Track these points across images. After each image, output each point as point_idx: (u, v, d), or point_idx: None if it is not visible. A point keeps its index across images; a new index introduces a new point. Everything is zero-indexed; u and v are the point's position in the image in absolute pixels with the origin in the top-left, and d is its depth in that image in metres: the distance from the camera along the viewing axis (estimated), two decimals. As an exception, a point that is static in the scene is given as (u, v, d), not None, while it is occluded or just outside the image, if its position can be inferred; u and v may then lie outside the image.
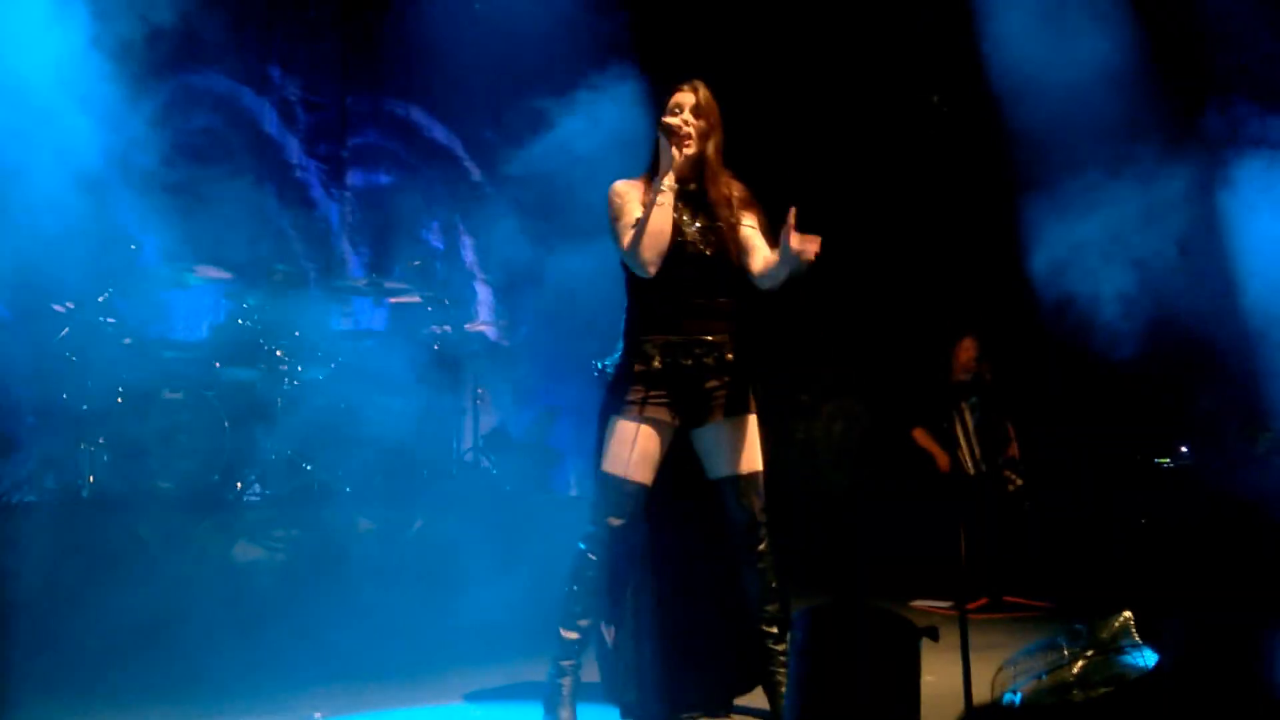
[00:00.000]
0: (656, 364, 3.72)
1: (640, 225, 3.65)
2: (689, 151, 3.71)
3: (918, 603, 6.38)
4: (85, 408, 5.70)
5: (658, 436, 3.72)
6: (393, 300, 7.40)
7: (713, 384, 3.76)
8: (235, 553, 5.45)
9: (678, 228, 3.70)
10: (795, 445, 7.08)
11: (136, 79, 6.96)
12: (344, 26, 8.25)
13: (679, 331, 3.75)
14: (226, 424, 5.84)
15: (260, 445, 6.28)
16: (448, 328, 7.23)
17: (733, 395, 3.78)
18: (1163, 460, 5.92)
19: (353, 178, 8.41)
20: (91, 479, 5.49)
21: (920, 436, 6.91)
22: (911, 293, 7.12)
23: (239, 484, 6.05)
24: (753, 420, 3.82)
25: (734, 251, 3.78)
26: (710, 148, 3.77)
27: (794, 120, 7.74)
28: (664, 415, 3.74)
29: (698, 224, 3.77)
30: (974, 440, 6.73)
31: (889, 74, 7.16)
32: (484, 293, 8.87)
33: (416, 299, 7.31)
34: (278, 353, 6.36)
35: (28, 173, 5.96)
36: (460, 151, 8.81)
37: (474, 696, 4.44)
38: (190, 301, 6.85)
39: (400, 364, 6.99)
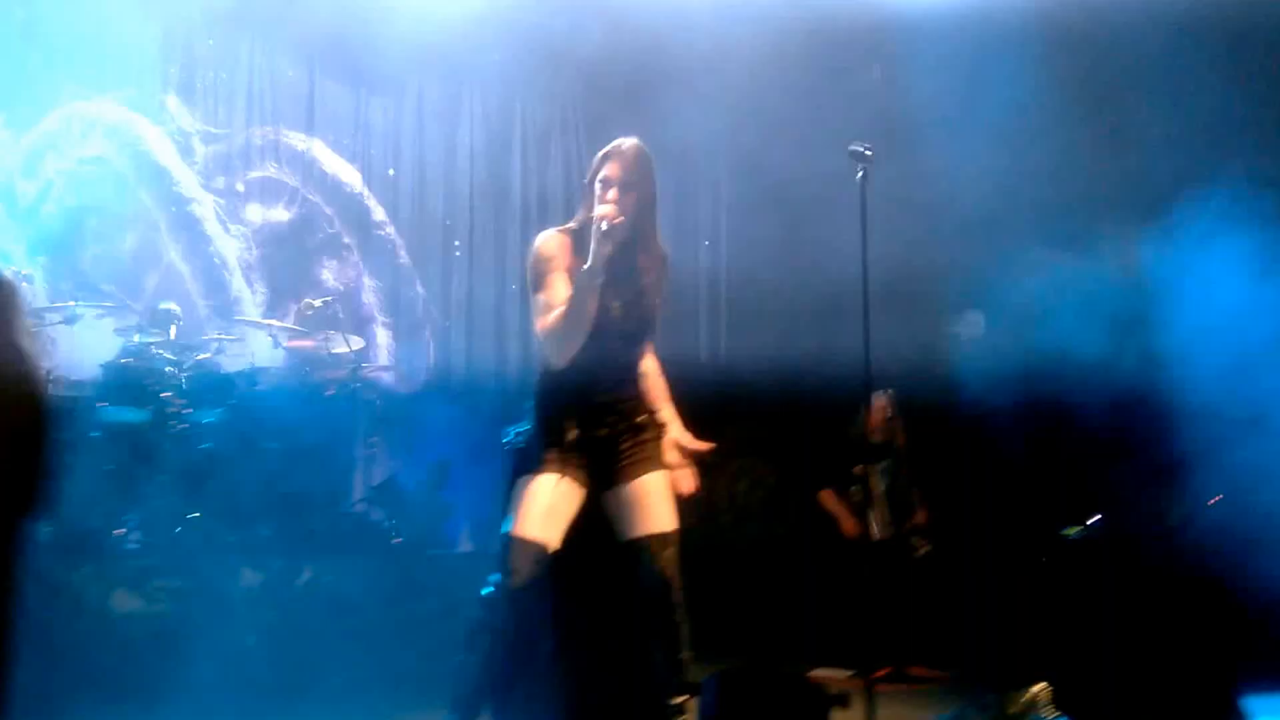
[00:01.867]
0: (571, 435, 3.64)
1: (559, 321, 3.51)
2: (619, 238, 3.51)
3: (818, 672, 6.26)
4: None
5: (567, 498, 3.61)
6: (289, 343, 7.19)
7: (625, 445, 3.68)
8: (113, 602, 5.17)
9: (602, 304, 3.56)
10: (698, 503, 7.01)
11: (24, 103, 6.74)
12: (246, 56, 8.03)
13: (593, 401, 3.66)
14: (110, 467, 5.57)
15: (143, 490, 6.01)
16: (343, 372, 7.03)
17: (644, 455, 3.69)
18: (1070, 530, 5.99)
19: (251, 213, 8.16)
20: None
21: (827, 499, 6.85)
22: (822, 350, 7.18)
23: (119, 530, 5.77)
24: (664, 477, 3.75)
25: (653, 319, 3.73)
26: (643, 219, 3.65)
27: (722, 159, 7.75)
28: (578, 477, 3.64)
29: (620, 298, 3.64)
30: (882, 504, 6.72)
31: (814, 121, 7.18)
32: (383, 336, 8.68)
33: (312, 342, 7.14)
34: (165, 394, 6.10)
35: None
36: (361, 189, 8.63)
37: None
38: (76, 338, 6.51)
39: (293, 408, 6.80)
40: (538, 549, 3.56)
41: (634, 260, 3.65)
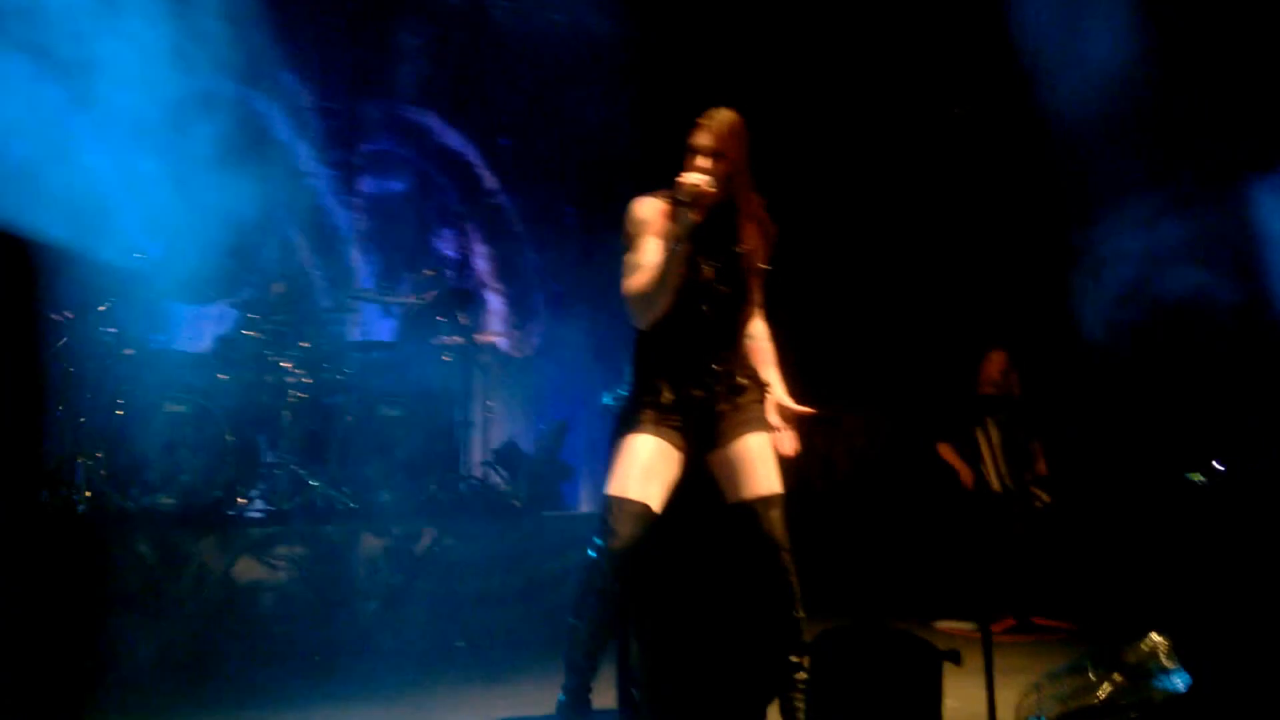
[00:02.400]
0: (667, 396, 3.61)
1: (642, 284, 3.50)
2: (704, 205, 3.48)
3: (941, 624, 6.21)
4: (83, 420, 5.56)
5: (667, 459, 3.59)
6: (403, 309, 7.27)
7: (724, 407, 3.64)
8: (236, 571, 5.30)
9: (695, 264, 3.55)
10: (815, 460, 6.91)
11: (146, 82, 6.87)
12: (358, 31, 8.07)
13: (690, 363, 3.63)
14: (229, 437, 5.68)
15: (264, 459, 6.14)
16: (458, 338, 7.10)
17: (746, 416, 3.65)
18: (1195, 476, 5.74)
19: (365, 185, 8.26)
20: (88, 494, 5.32)
21: (945, 451, 6.73)
22: (939, 304, 6.99)
23: (241, 499, 5.90)
24: (768, 439, 3.67)
25: (751, 283, 3.67)
26: (736, 183, 3.60)
27: (822, 128, 7.59)
28: (675, 440, 3.61)
29: (717, 261, 3.61)
30: (1000, 456, 6.57)
31: (916, 84, 6.99)
32: (496, 302, 8.72)
33: (427, 308, 7.19)
34: (283, 364, 6.23)
35: (38, 175, 5.88)
36: (474, 158, 8.66)
37: (483, 723, 4.30)
38: (194, 311, 6.68)
39: (409, 375, 6.88)
40: (636, 509, 3.53)
41: (729, 227, 3.62)
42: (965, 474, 6.62)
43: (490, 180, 8.72)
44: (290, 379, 6.22)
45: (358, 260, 8.17)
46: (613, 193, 8.68)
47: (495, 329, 8.49)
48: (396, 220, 8.34)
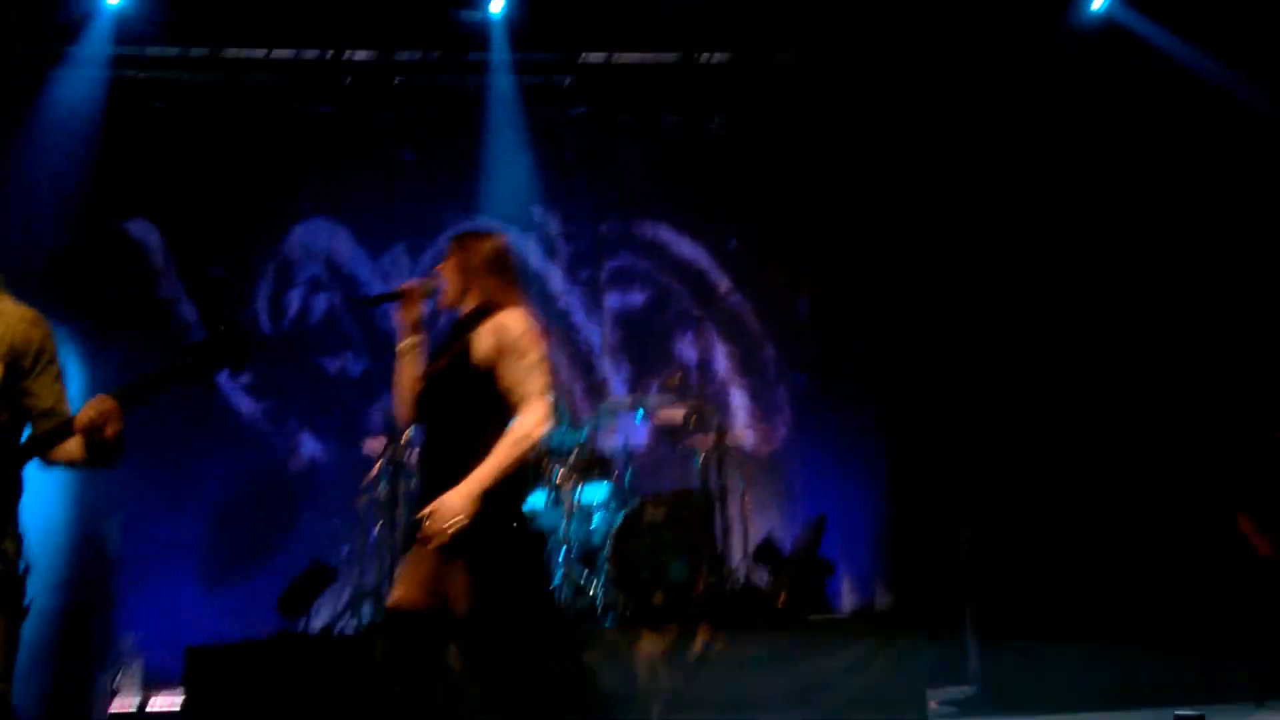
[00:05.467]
0: None
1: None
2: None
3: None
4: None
5: None
6: (656, 417, 7.60)
7: None
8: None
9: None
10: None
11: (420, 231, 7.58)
12: (593, 159, 8.69)
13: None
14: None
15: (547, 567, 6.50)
16: (708, 438, 7.28)
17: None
18: None
19: (610, 299, 8.79)
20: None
21: (1243, 521, 6.71)
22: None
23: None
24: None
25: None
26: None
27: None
28: None
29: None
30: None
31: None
32: (740, 399, 9.04)
33: (678, 413, 7.50)
34: (558, 474, 6.64)
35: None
36: (706, 264, 9.08)
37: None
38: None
39: (668, 478, 7.19)
40: None
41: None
42: (1261, 543, 6.63)
43: (723, 282, 9.09)
44: (563, 490, 6.62)
45: (608, 371, 8.66)
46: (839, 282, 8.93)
47: (741, 426, 8.77)
48: (640, 329, 8.82)
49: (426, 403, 3.78)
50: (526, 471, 3.89)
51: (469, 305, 3.80)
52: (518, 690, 3.52)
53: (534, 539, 3.91)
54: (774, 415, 8.99)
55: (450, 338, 3.81)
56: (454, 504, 3.46)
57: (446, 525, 3.44)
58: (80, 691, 6.22)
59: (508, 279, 3.85)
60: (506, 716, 3.53)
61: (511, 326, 3.66)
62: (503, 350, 3.62)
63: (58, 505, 5.98)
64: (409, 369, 3.82)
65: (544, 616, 3.69)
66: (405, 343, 3.83)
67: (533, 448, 3.58)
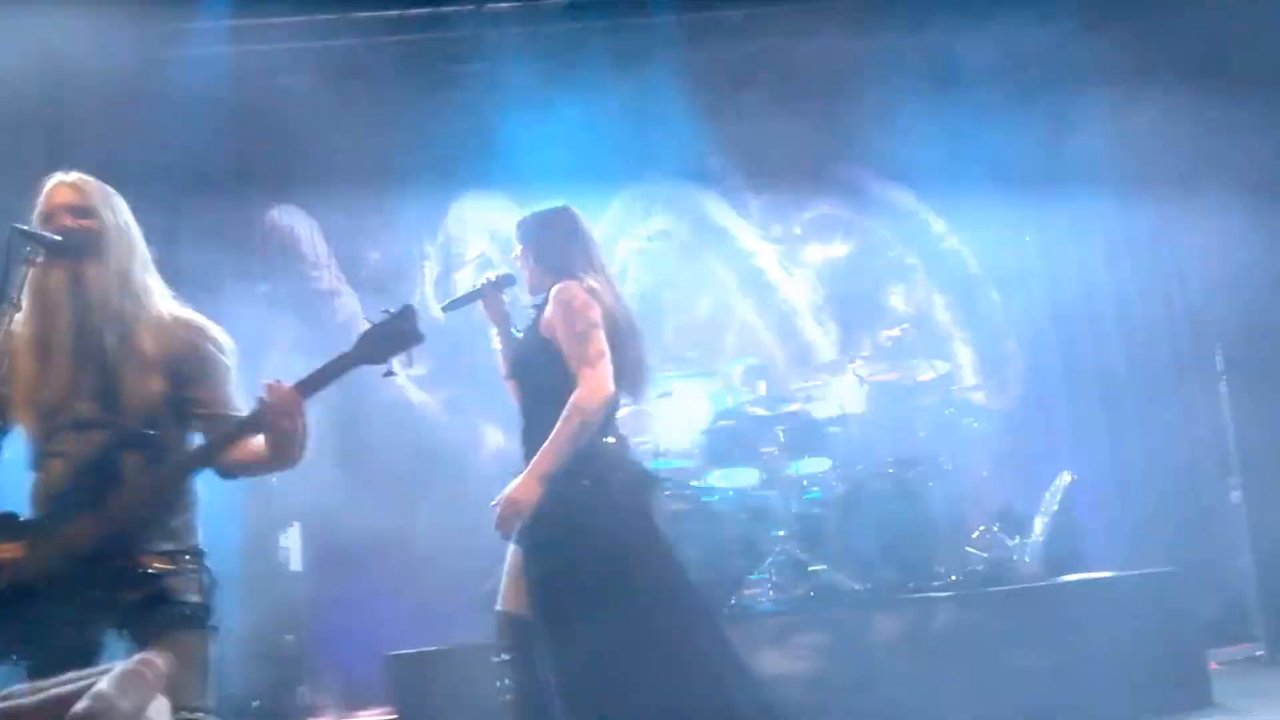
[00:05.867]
0: None
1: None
2: None
3: None
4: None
5: None
6: (873, 378, 6.88)
7: None
8: (760, 662, 5.05)
9: None
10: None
11: (587, 196, 7.02)
12: (775, 99, 7.82)
13: None
14: (730, 529, 5.59)
15: (764, 548, 5.92)
16: (934, 398, 6.68)
17: None
18: None
19: (809, 254, 8.06)
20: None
21: None
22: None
23: (749, 590, 5.71)
24: None
25: None
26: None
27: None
28: None
29: None
30: None
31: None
32: (965, 354, 8.15)
33: (896, 374, 6.80)
34: (766, 449, 6.08)
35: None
36: (914, 203, 8.23)
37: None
38: (668, 408, 6.53)
39: (891, 444, 6.52)
40: None
41: None
42: None
43: (937, 222, 8.22)
44: (774, 463, 6.06)
45: (815, 333, 7.95)
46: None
47: (969, 382, 7.89)
48: (846, 284, 8.02)
49: (514, 379, 3.80)
50: (612, 451, 3.62)
51: (547, 286, 3.72)
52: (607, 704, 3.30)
53: (634, 526, 3.54)
54: (1002, 369, 8.07)
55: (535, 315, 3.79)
56: (513, 495, 3.40)
57: (509, 515, 3.38)
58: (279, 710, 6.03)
59: (575, 250, 3.76)
60: None
61: (559, 295, 3.61)
62: (554, 320, 3.58)
63: (233, 522, 5.69)
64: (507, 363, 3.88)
65: (649, 616, 3.41)
66: (499, 338, 3.88)
67: (587, 422, 3.43)
